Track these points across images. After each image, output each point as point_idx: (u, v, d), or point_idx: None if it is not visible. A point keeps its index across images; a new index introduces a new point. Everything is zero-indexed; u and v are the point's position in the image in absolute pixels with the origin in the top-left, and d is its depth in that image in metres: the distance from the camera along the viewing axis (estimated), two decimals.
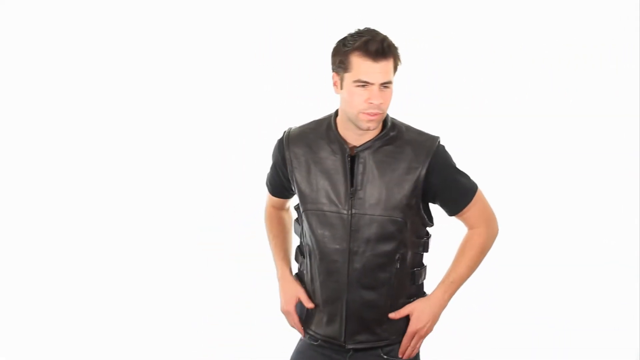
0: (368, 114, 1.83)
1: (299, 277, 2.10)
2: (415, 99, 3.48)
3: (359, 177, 1.91)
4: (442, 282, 2.00)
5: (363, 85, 1.81)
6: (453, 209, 2.00)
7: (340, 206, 1.92)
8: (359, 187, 1.91)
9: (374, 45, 1.79)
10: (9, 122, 3.51)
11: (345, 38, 1.85)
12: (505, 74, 3.45)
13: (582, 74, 3.46)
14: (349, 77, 1.82)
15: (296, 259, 2.12)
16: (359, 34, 1.83)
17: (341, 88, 1.86)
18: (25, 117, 3.51)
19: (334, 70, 1.88)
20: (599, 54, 3.45)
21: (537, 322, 3.46)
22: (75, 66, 3.50)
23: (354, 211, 1.91)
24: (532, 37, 3.45)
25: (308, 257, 2.01)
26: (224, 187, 3.53)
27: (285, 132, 2.03)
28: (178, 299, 3.51)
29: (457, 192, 1.97)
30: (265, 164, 2.13)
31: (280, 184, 2.10)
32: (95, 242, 3.53)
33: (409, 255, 1.97)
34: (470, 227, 2.02)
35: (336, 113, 1.97)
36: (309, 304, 2.02)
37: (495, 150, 3.45)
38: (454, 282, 1.99)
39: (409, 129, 1.96)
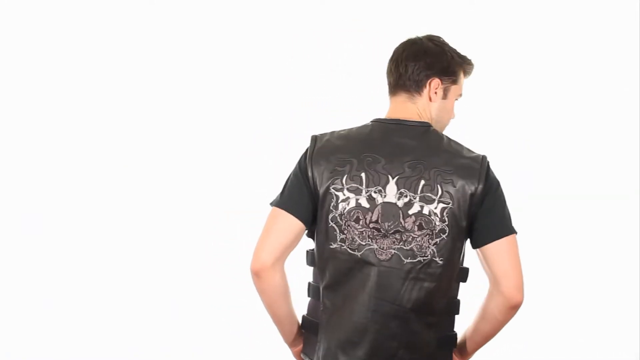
0: None
1: None
2: None
3: None
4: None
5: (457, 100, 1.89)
6: None
7: None
8: None
9: (472, 67, 1.88)
10: (9, 122, 3.51)
11: (451, 48, 1.85)
12: (503, 73, 3.46)
13: (580, 74, 3.48)
14: (455, 89, 1.84)
15: None
16: (455, 49, 1.86)
17: (444, 98, 1.84)
18: (29, 118, 3.51)
19: (437, 75, 1.82)
20: (599, 54, 3.46)
21: (537, 322, 3.46)
22: (85, 68, 3.50)
23: None
24: (529, 38, 3.46)
25: None
26: (226, 188, 3.53)
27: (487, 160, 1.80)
28: (183, 299, 3.51)
29: None
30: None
31: None
32: (100, 242, 3.52)
33: None
34: None
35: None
36: None
37: (494, 149, 3.45)
38: None
39: None
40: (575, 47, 3.46)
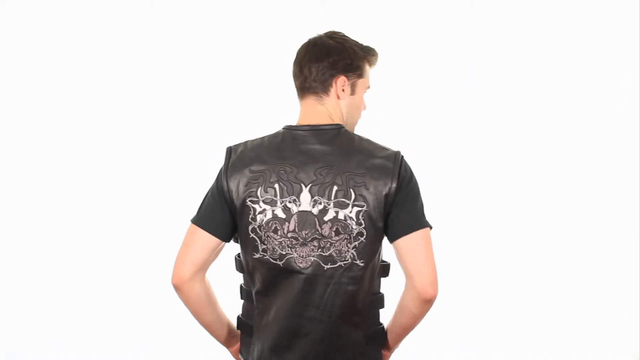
0: None
1: None
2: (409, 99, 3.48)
3: None
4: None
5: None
6: None
7: None
8: None
9: (377, 57, 1.85)
10: (9, 122, 3.51)
11: (353, 42, 1.82)
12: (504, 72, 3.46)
13: (580, 74, 3.48)
14: (362, 82, 1.82)
15: None
16: (357, 42, 1.84)
17: (352, 94, 1.82)
18: (29, 118, 3.52)
19: (342, 73, 1.80)
20: (599, 54, 3.46)
21: (537, 322, 3.46)
22: (85, 69, 3.51)
23: None
24: (528, 37, 3.46)
25: None
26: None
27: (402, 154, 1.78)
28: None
29: None
30: None
31: None
32: (99, 242, 3.53)
33: None
34: None
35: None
36: None
37: (494, 148, 3.45)
38: None
39: None
40: (571, 46, 3.47)
